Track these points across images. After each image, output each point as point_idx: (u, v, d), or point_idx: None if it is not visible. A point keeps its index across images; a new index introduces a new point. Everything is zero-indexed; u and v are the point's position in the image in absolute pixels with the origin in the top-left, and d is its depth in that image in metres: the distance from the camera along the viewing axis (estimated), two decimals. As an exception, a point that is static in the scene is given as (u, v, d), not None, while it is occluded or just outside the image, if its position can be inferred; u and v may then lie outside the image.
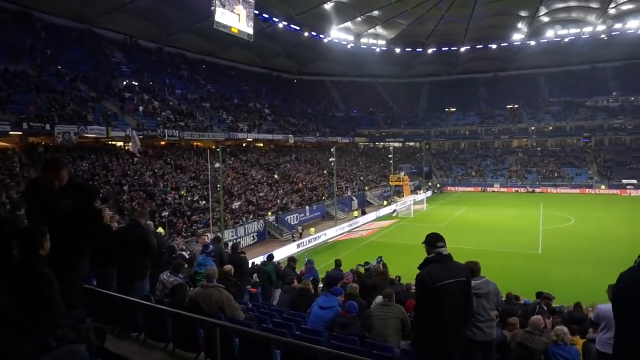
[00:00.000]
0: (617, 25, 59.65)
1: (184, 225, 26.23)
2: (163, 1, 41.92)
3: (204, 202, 29.31)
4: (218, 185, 27.97)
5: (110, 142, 31.75)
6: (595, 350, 5.76)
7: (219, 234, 22.28)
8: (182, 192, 29.79)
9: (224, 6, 39.64)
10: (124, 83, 37.71)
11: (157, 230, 24.03)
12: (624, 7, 57.15)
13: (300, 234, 31.68)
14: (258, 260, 16.91)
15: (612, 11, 57.60)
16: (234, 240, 25.59)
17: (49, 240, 2.88)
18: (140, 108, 34.96)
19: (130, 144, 29.91)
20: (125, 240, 5.62)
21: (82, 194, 3.22)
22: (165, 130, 33.88)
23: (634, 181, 53.22)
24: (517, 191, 57.26)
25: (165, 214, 25.88)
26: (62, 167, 3.15)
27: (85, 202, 3.24)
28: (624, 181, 53.81)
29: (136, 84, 39.05)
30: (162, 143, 35.97)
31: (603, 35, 61.92)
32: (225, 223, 27.34)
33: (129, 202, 25.42)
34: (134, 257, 5.56)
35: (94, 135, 28.62)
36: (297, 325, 5.99)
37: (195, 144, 39.37)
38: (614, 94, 66.78)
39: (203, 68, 53.91)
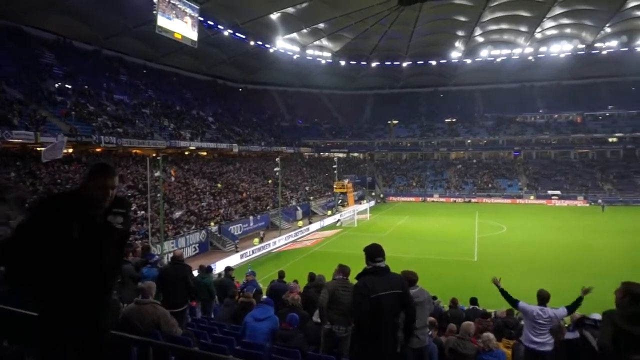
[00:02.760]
0: (543, 49, 65.02)
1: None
2: (101, 2, 39.99)
3: (142, 212, 28.07)
4: (158, 195, 26.93)
5: (39, 149, 29.66)
6: (524, 348, 6.15)
7: (148, 244, 21.37)
8: (119, 202, 28.34)
9: (166, 11, 38.55)
10: (56, 86, 35.51)
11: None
12: (548, 32, 62.23)
13: (262, 238, 32.07)
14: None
15: (538, 35, 62.43)
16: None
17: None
18: (73, 113, 33.04)
19: (44, 148, 28.05)
20: None
21: (126, 207, 2.57)
22: (102, 137, 32.16)
23: (558, 192, 57.46)
24: (454, 201, 59.90)
25: (99, 224, 24.48)
26: (116, 174, 2.45)
27: (129, 216, 2.63)
28: (549, 192, 57.95)
29: (69, 87, 36.90)
30: (98, 150, 34.15)
31: (530, 57, 66.99)
32: (166, 234, 26.33)
33: (59, 213, 23.80)
34: None
35: (20, 141, 26.61)
36: (237, 339, 5.84)
37: (134, 151, 37.73)
38: (541, 111, 72.16)
39: (144, 73, 51.99)
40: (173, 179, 34.74)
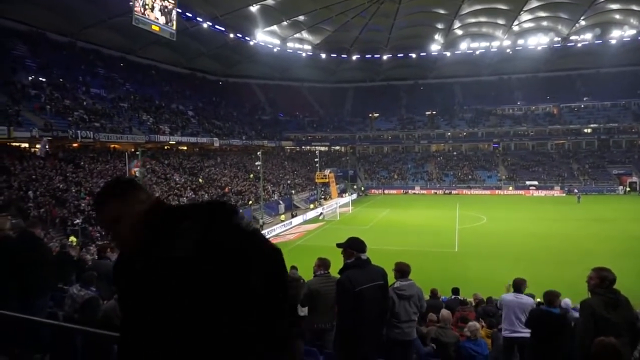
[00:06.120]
0: (520, 41, 65.91)
1: (99, 234, 24.55)
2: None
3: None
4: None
5: (12, 144, 28.87)
6: (502, 338, 6.31)
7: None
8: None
9: (144, 2, 37.68)
10: (29, 79, 34.53)
11: (70, 239, 22.38)
12: (525, 25, 63.16)
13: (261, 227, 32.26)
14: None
15: (515, 28, 63.29)
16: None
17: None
18: (48, 107, 32.21)
19: (38, 146, 27.60)
20: (18, 253, 5.11)
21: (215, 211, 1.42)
22: (78, 132, 31.46)
23: (536, 182, 58.70)
24: (435, 193, 60.57)
25: (78, 221, 24.06)
26: (112, 196, 1.44)
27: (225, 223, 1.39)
28: (527, 182, 59.13)
29: (44, 80, 35.90)
30: (75, 145, 33.41)
31: (508, 50, 67.86)
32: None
33: (35, 210, 23.29)
34: (30, 271, 5.08)
35: (-8, 136, 25.88)
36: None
37: (112, 146, 37.06)
38: (518, 103, 73.35)
39: (121, 66, 50.89)
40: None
